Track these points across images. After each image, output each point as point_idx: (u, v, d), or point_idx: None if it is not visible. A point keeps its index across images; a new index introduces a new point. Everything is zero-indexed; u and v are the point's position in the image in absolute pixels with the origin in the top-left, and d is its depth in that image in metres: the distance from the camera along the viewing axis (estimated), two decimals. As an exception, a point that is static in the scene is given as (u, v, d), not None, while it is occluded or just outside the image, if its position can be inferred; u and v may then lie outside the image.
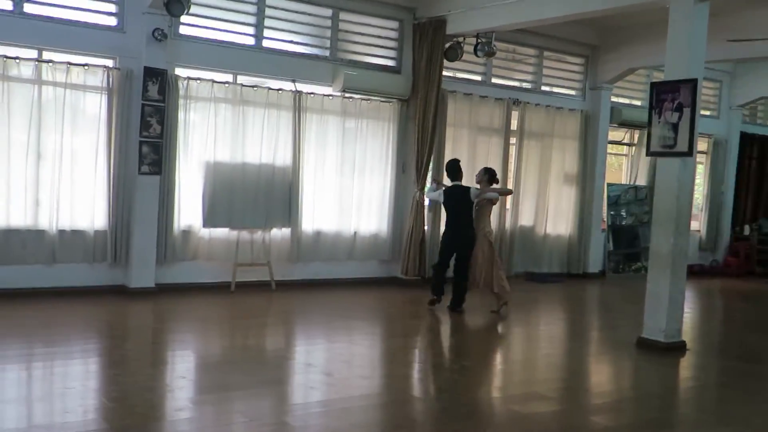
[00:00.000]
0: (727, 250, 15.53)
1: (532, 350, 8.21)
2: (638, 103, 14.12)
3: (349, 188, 10.90)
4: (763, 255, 15.37)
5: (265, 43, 10.24)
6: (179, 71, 9.51)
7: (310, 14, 10.57)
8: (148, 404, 5.35)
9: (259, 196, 10.00)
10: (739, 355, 8.24)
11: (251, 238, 10.09)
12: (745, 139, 15.66)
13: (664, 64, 8.11)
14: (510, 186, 12.33)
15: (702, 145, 14.75)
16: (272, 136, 10.12)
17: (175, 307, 8.92)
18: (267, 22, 10.20)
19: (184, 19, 9.29)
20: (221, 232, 9.90)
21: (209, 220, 9.70)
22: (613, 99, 13.57)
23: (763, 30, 10.01)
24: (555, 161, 12.97)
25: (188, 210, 9.67)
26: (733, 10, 10.03)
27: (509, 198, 12.35)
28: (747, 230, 15.63)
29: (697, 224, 15.05)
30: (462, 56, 11.17)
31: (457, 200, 9.36)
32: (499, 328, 9.08)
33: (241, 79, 10.03)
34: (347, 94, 10.71)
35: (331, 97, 10.62)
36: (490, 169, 9.71)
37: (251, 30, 10.15)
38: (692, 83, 7.63)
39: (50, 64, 8.67)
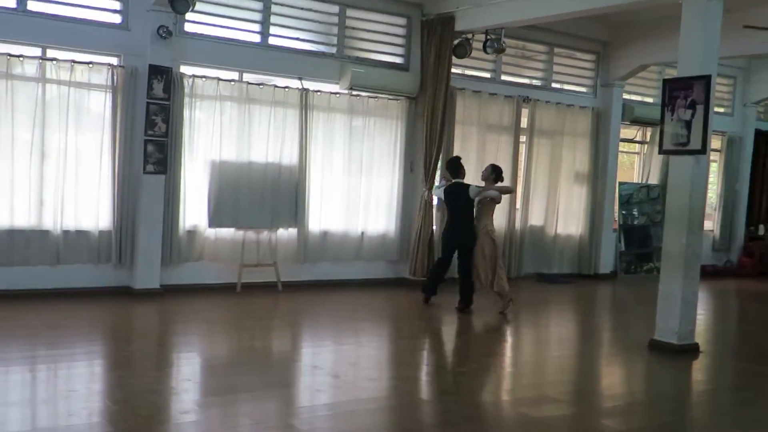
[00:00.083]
0: (741, 250, 15.46)
1: (543, 352, 8.20)
2: (650, 100, 14.07)
3: (356, 187, 10.90)
4: (778, 255, 15.31)
5: (272, 41, 10.25)
6: (184, 69, 9.53)
7: (316, 11, 10.57)
8: (153, 407, 5.36)
9: (266, 196, 10.01)
10: (753, 357, 8.22)
11: (257, 238, 10.10)
12: (760, 136, 15.59)
13: (676, 60, 8.06)
14: (519, 185, 12.35)
15: (715, 142, 14.67)
16: (278, 135, 10.13)
17: (180, 308, 8.94)
18: (273, 19, 10.21)
19: (189, 16, 9.30)
20: (227, 232, 9.92)
21: (215, 220, 9.72)
22: (625, 96, 13.53)
23: (778, 25, 9.96)
24: (566, 160, 12.94)
25: (194, 210, 9.69)
26: (747, 5, 9.98)
27: (519, 197, 12.37)
28: (762, 230, 15.56)
29: (711, 224, 14.99)
30: (471, 53, 11.15)
31: (457, 198, 9.44)
32: (508, 330, 9.06)
33: (246, 76, 10.04)
34: (354, 92, 10.71)
35: (338, 95, 10.63)
36: (498, 167, 9.71)
37: (257, 27, 10.17)
38: (705, 80, 7.60)
39: (54, 62, 8.70)
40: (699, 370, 7.63)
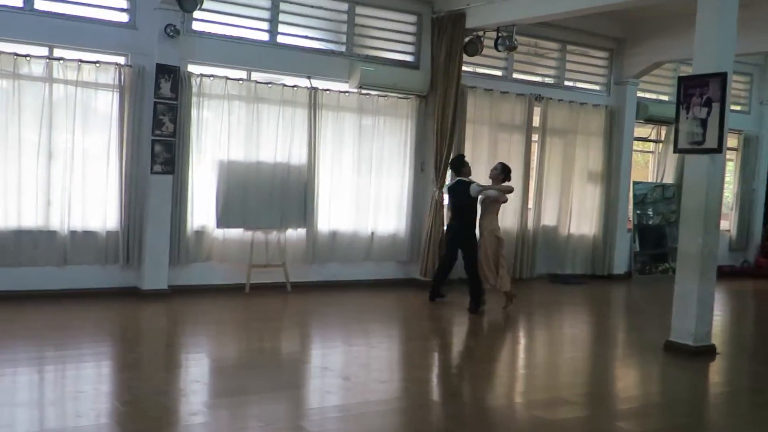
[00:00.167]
0: (758, 250, 15.38)
1: (556, 354, 8.18)
2: (665, 98, 14.02)
3: (366, 187, 10.91)
4: (797, 255, 15.22)
5: (280, 39, 10.27)
6: (192, 68, 9.57)
7: (325, 8, 10.59)
8: (162, 408, 5.39)
9: (274, 196, 10.04)
10: (771, 359, 8.18)
11: (266, 238, 10.12)
12: (777, 134, 15.52)
13: (692, 57, 8.04)
14: (532, 184, 12.34)
15: (732, 141, 14.62)
16: (287, 134, 10.15)
17: (188, 309, 8.97)
18: (281, 17, 10.24)
19: (196, 14, 9.32)
20: (235, 232, 9.94)
21: (223, 221, 9.75)
22: (639, 94, 13.48)
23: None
24: (579, 159, 12.92)
25: (202, 210, 9.72)
26: (763, 0, 9.93)
27: (531, 197, 12.36)
28: (779, 229, 15.49)
29: (727, 223, 14.92)
30: (482, 51, 11.14)
31: (459, 195, 9.58)
32: (521, 331, 9.05)
33: (255, 75, 10.07)
34: (364, 91, 10.73)
35: (347, 94, 10.64)
36: (507, 167, 9.73)
37: (265, 25, 10.19)
38: (721, 77, 7.57)
39: (61, 61, 8.75)
40: (715, 372, 7.59)
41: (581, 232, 13.09)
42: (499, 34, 10.90)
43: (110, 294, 9.08)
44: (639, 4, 9.74)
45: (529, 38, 12.19)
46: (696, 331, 7.67)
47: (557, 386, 6.66)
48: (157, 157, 9.23)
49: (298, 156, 10.25)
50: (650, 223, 13.98)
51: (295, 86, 10.20)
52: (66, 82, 8.79)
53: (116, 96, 9.07)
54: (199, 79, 9.56)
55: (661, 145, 14.45)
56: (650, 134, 14.49)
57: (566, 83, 13.01)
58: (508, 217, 12.01)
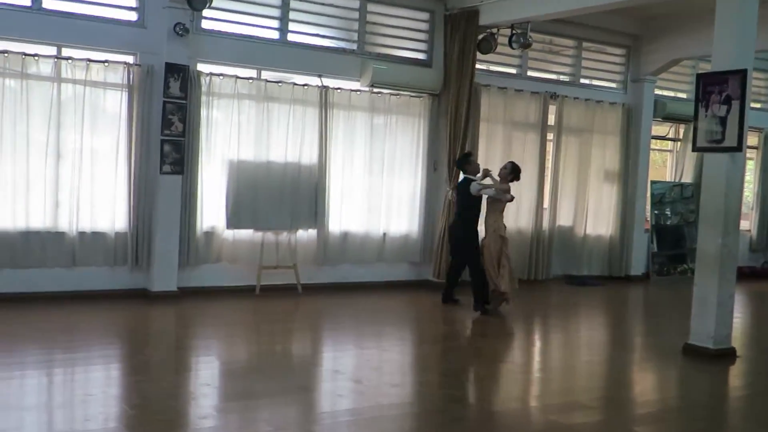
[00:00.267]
0: (779, 250, 15.30)
1: (572, 357, 8.15)
2: (683, 95, 13.94)
3: (377, 187, 10.91)
4: (819, 256, 15.10)
5: (290, 37, 10.29)
6: (201, 67, 9.59)
7: (336, 6, 10.59)
8: (171, 412, 5.41)
9: (285, 196, 10.05)
10: (793, 362, 8.13)
11: (276, 239, 10.14)
12: (799, 133, 15.40)
13: (711, 54, 8.00)
14: (547, 184, 12.31)
15: (752, 139, 14.53)
16: (298, 134, 10.16)
17: (198, 311, 9.00)
18: (292, 15, 10.26)
19: (206, 13, 9.35)
20: (245, 233, 9.96)
21: (233, 221, 9.77)
22: (657, 92, 13.42)
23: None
24: (595, 158, 12.87)
25: (211, 211, 9.74)
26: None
27: (547, 197, 12.32)
28: (801, 230, 15.37)
29: (748, 224, 14.81)
30: (496, 48, 11.11)
31: (461, 194, 9.74)
32: (537, 334, 9.02)
33: (265, 74, 10.09)
34: (376, 89, 10.72)
35: (359, 93, 10.64)
36: (518, 167, 9.72)
37: (276, 23, 10.21)
38: (741, 74, 7.52)
39: (69, 61, 8.79)
40: (736, 375, 7.55)
41: (598, 232, 13.04)
42: (514, 31, 10.89)
43: (119, 296, 9.12)
44: (656, -1, 9.73)
45: (543, 35, 12.14)
46: (715, 333, 7.63)
47: (573, 390, 6.64)
48: (167, 157, 9.26)
49: (308, 156, 10.26)
50: (668, 223, 13.91)
51: (305, 85, 10.21)
52: (74, 81, 8.83)
53: (125, 95, 9.10)
54: (208, 78, 9.58)
55: (679, 143, 14.38)
56: (668, 132, 14.42)
57: (582, 81, 12.96)
58: (522, 217, 12.00)
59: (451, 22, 11.05)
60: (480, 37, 10.96)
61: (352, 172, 10.69)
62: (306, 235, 10.38)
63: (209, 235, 9.77)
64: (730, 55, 7.63)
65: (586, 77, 13.03)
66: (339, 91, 10.45)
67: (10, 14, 8.51)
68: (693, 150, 8.50)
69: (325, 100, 10.29)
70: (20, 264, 8.70)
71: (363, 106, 10.71)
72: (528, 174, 11.89)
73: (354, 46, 10.79)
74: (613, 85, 13.30)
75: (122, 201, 9.20)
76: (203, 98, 9.56)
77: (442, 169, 11.16)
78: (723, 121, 7.65)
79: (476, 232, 9.66)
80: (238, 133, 9.80)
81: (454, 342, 8.61)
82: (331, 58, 10.52)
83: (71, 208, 8.92)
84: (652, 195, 13.67)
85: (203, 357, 7.35)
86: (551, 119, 12.40)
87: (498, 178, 9.66)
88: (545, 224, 12.33)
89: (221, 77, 9.66)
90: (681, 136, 14.26)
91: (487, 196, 9.58)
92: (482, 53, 11.07)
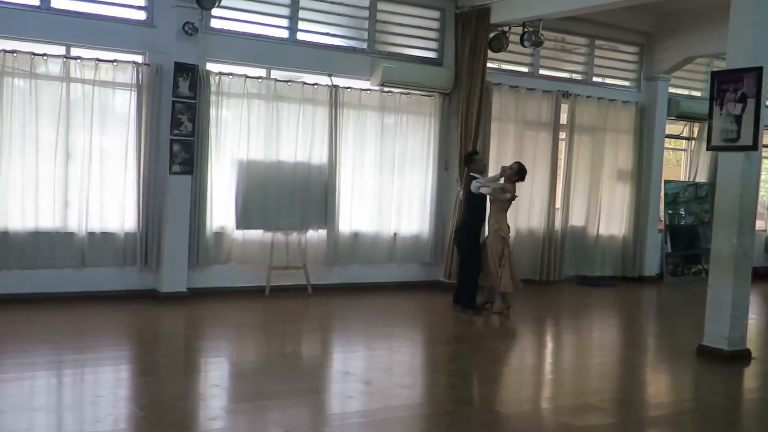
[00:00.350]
0: (795, 251, 15.22)
1: (584, 358, 8.14)
2: (698, 94, 13.91)
3: (388, 187, 10.91)
4: (836, 256, 15.01)
5: (300, 36, 10.31)
6: (211, 66, 9.62)
7: (346, 5, 10.60)
8: (181, 413, 5.42)
9: (295, 196, 10.07)
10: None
11: (286, 240, 10.16)
12: (815, 131, 15.31)
13: (725, 51, 7.97)
14: (559, 183, 12.28)
15: (768, 138, 14.47)
16: (308, 133, 10.18)
17: (207, 312, 9.02)
18: (302, 14, 10.27)
19: (215, 12, 9.39)
20: (255, 233, 9.99)
21: (243, 222, 9.80)
22: (671, 90, 13.38)
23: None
24: (608, 157, 12.84)
25: (221, 211, 9.77)
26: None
27: (559, 196, 12.30)
28: (817, 230, 15.28)
29: (763, 224, 14.77)
30: (507, 46, 11.08)
31: (465, 192, 9.81)
32: (549, 335, 9.01)
33: (274, 73, 10.12)
34: (386, 88, 10.73)
35: (369, 92, 10.65)
36: (524, 168, 9.65)
37: (285, 22, 10.23)
38: (757, 72, 7.49)
39: (78, 60, 8.84)
40: (750, 377, 7.52)
41: (611, 232, 13.01)
42: (525, 30, 10.86)
43: (128, 296, 9.16)
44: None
45: (555, 33, 12.12)
46: (730, 335, 7.60)
47: (585, 392, 6.62)
48: (176, 157, 9.29)
49: (318, 155, 10.28)
50: (682, 223, 13.85)
51: (315, 84, 10.22)
52: (83, 81, 8.87)
53: (134, 95, 9.14)
54: (217, 77, 9.61)
55: (693, 142, 14.34)
56: (682, 131, 14.37)
57: (595, 79, 12.93)
58: (534, 217, 11.99)
59: (462, 21, 11.04)
60: (491, 35, 10.94)
61: (362, 172, 10.69)
62: (316, 235, 10.40)
63: (219, 235, 9.80)
64: (745, 52, 7.60)
65: (598, 75, 13.00)
66: (349, 90, 10.46)
67: (18, 14, 8.56)
68: (707, 149, 8.46)
69: (335, 100, 10.30)
70: (29, 265, 8.75)
71: (373, 105, 10.71)
72: (540, 173, 11.89)
73: (364, 45, 10.80)
74: (626, 83, 13.27)
75: (131, 201, 9.23)
76: (212, 98, 9.59)
77: (453, 168, 11.15)
78: (738, 119, 7.62)
79: (479, 235, 9.63)
80: (248, 132, 9.83)
81: (464, 343, 8.60)
82: (341, 57, 10.53)
83: (80, 209, 8.96)
84: (666, 195, 13.62)
85: (213, 358, 7.37)
86: (563, 118, 12.37)
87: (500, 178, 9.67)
88: (557, 224, 12.31)
89: (230, 77, 9.69)
90: (695, 135, 14.22)
91: (490, 195, 9.55)
92: (493, 52, 11.05)
